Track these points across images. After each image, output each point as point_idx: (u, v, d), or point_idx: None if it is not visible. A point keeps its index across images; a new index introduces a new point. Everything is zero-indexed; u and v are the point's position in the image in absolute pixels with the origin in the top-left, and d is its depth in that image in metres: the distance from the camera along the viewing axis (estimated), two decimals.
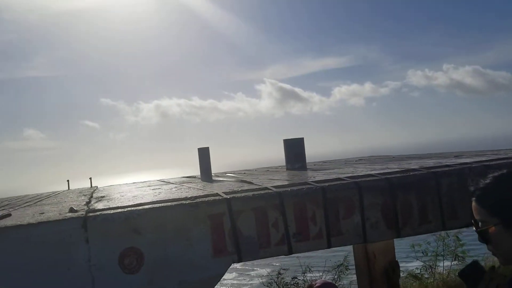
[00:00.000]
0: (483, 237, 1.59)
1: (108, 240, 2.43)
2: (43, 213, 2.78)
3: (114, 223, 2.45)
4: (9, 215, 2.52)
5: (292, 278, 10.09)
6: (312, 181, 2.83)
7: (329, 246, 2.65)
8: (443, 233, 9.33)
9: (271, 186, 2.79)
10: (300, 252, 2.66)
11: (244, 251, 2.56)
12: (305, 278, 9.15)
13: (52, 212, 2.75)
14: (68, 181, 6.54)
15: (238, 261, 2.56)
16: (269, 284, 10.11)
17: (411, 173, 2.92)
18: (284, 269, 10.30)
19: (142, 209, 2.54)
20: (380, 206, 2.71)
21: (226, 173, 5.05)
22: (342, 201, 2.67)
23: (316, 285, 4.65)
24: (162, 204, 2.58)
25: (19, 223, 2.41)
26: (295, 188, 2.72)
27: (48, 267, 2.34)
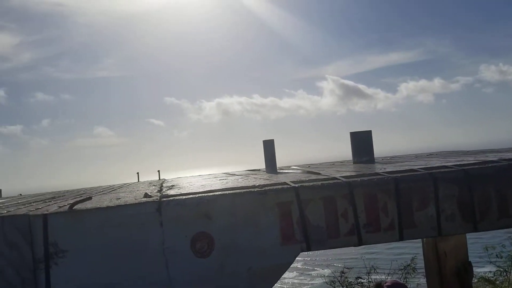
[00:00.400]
0: None
1: (180, 224, 2.51)
2: (119, 198, 2.93)
3: (186, 208, 2.52)
4: (90, 198, 2.68)
5: (356, 278, 9.89)
6: (383, 172, 2.75)
7: (401, 238, 2.56)
8: None
9: (340, 176, 2.75)
10: (370, 244, 2.60)
11: (313, 240, 2.54)
12: (369, 279, 8.94)
13: (128, 198, 2.88)
14: (138, 173, 6.85)
15: (307, 250, 2.55)
16: (332, 283, 9.98)
17: (490, 165, 2.76)
18: (347, 268, 10.11)
19: (213, 195, 2.59)
20: (456, 198, 2.58)
21: (291, 166, 5.04)
22: (416, 192, 2.58)
23: (386, 284, 4.51)
24: (232, 191, 2.63)
25: (98, 205, 2.56)
26: (365, 178, 2.66)
27: (124, 247, 2.46)
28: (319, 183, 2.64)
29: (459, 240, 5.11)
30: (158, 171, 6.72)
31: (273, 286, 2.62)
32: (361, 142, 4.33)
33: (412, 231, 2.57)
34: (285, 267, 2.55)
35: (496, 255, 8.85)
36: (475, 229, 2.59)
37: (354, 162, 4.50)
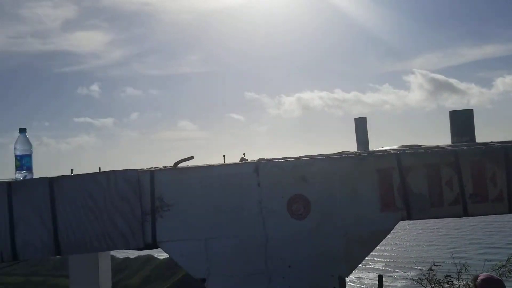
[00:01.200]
0: None
1: (277, 185, 2.55)
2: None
3: (283, 170, 2.56)
4: (192, 157, 2.81)
5: (446, 276, 9.42)
6: (492, 142, 2.59)
7: (511, 210, 2.40)
8: None
9: (445, 145, 2.63)
10: (476, 215, 2.46)
11: (414, 208, 2.46)
12: (460, 277, 8.47)
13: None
14: (224, 156, 7.06)
15: (407, 218, 2.47)
16: (419, 280, 9.60)
17: None
18: (436, 266, 9.66)
19: (310, 159, 2.61)
20: None
21: (383, 147, 4.90)
22: None
23: (480, 277, 4.26)
24: (330, 156, 2.62)
25: (200, 164, 2.68)
26: (472, 147, 2.52)
27: (223, 205, 2.55)
28: (422, 150, 2.55)
29: None
30: (243, 154, 6.86)
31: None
32: (462, 121, 4.09)
33: None
34: (384, 234, 2.49)
35: None
36: None
37: (453, 143, 4.28)
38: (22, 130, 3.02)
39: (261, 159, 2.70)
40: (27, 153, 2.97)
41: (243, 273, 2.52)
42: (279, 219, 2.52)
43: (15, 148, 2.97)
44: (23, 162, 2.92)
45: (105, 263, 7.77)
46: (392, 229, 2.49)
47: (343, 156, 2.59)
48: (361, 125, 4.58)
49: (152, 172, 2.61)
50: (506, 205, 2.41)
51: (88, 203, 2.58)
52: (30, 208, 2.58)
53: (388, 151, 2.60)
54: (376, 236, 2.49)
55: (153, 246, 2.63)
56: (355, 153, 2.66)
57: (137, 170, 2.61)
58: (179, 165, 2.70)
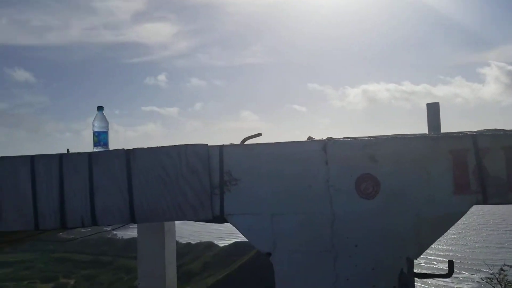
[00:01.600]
0: None
1: (345, 164, 2.53)
2: None
3: (352, 149, 2.53)
4: (260, 134, 2.86)
5: None
6: None
7: None
8: None
9: None
10: None
11: (490, 192, 2.34)
12: None
13: None
14: None
15: (483, 202, 2.36)
16: (488, 280, 9.12)
17: None
18: (508, 265, 9.13)
19: (380, 138, 2.56)
20: None
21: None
22: None
23: None
24: (401, 136, 2.56)
25: (268, 141, 2.71)
26: None
27: (291, 181, 2.57)
28: (501, 132, 2.41)
29: None
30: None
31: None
32: None
33: None
34: (457, 217, 2.40)
35: None
36: None
37: None
38: (100, 108, 3.21)
39: (329, 138, 2.68)
40: (104, 130, 3.16)
41: (308, 250, 2.54)
42: (346, 198, 2.50)
43: (93, 125, 3.17)
44: (100, 138, 3.11)
45: (171, 244, 8.11)
46: (465, 212, 2.39)
47: (416, 136, 2.52)
48: (433, 110, 4.41)
49: (221, 147, 2.68)
50: None
51: (161, 175, 2.70)
52: (108, 177, 2.75)
53: (464, 133, 2.49)
54: (448, 219, 2.40)
55: (221, 219, 2.71)
56: (428, 135, 2.58)
57: (206, 144, 2.69)
58: (247, 142, 2.76)
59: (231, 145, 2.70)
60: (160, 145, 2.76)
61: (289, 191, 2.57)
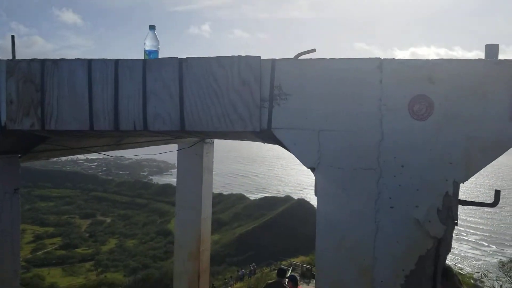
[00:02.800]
0: None
1: (400, 84, 2.48)
2: None
3: (410, 68, 2.47)
4: (314, 50, 2.82)
5: None
6: None
7: None
8: None
9: None
10: None
11: None
12: None
13: None
14: None
15: None
16: None
17: None
18: None
19: (440, 59, 2.47)
20: None
21: None
22: None
23: None
24: (462, 59, 2.47)
25: (322, 57, 2.67)
26: None
27: (342, 98, 2.55)
28: None
29: None
30: None
31: None
32: None
33: None
34: (510, 144, 2.33)
35: None
36: None
37: None
38: (152, 27, 3.24)
39: (388, 58, 2.62)
40: (155, 49, 3.19)
41: (353, 167, 2.55)
42: (398, 118, 2.47)
43: (144, 44, 3.20)
44: (151, 56, 3.15)
45: (208, 179, 8.31)
46: None
47: (477, 59, 2.42)
48: (492, 52, 4.22)
49: (273, 61, 2.67)
50: None
51: (212, 85, 2.73)
52: (161, 84, 2.81)
53: None
54: (500, 145, 2.34)
55: (268, 132, 2.74)
56: (489, 59, 2.47)
57: (259, 57, 2.69)
58: (300, 57, 2.73)
59: (284, 59, 2.68)
60: None
61: (339, 107, 2.56)
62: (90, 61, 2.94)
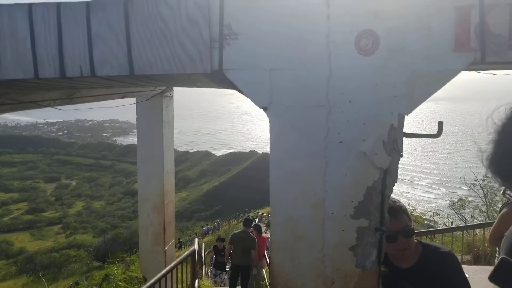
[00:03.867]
0: None
1: (347, 19, 2.49)
2: None
3: (356, 2, 2.48)
4: None
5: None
6: None
7: None
8: None
9: None
10: None
11: (490, 50, 2.34)
12: None
13: None
14: None
15: (480, 60, 2.36)
16: (472, 185, 9.51)
17: None
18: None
19: None
20: None
21: None
22: None
23: None
24: None
25: None
26: None
27: (292, 36, 2.55)
28: None
29: None
30: None
31: None
32: None
33: None
34: (453, 74, 2.42)
35: None
36: None
37: None
38: None
39: None
40: None
41: (303, 104, 2.59)
42: (345, 54, 2.51)
43: None
44: None
45: (169, 133, 8.24)
46: (461, 70, 2.41)
47: None
48: None
49: None
50: None
51: (159, 25, 2.66)
52: (106, 26, 2.71)
53: None
54: (443, 76, 2.42)
55: (220, 74, 2.73)
56: None
57: None
58: None
59: None
60: None
61: (289, 46, 2.56)
62: (30, 5, 2.79)
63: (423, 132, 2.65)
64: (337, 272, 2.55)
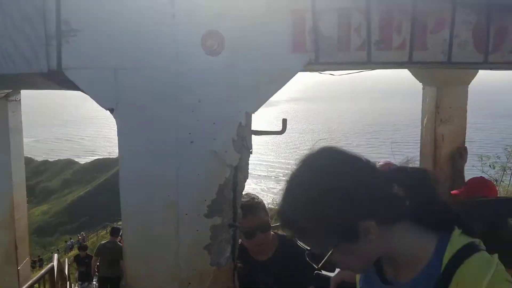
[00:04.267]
0: None
1: (193, 19, 2.51)
2: None
3: (201, 3, 2.50)
4: None
5: None
6: None
7: (410, 59, 2.57)
8: None
9: None
10: (380, 62, 2.61)
11: (323, 51, 2.55)
12: None
13: None
14: None
15: (315, 61, 2.56)
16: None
17: None
18: None
19: None
20: (472, 25, 2.55)
21: None
22: (433, 14, 2.54)
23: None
24: None
25: None
26: None
27: (139, 34, 2.47)
28: None
29: (458, 125, 5.19)
30: None
31: None
32: None
33: (423, 54, 2.57)
34: (292, 73, 2.59)
35: (490, 165, 9.10)
36: (486, 60, 2.58)
37: None
38: None
39: None
40: None
41: (152, 104, 2.53)
42: (192, 54, 2.51)
43: None
44: None
45: (17, 141, 7.44)
46: (299, 70, 2.59)
47: None
48: None
49: None
50: (407, 53, 2.57)
51: None
52: None
53: None
54: (284, 75, 2.58)
55: (60, 74, 2.53)
56: None
57: None
58: None
59: None
60: None
61: (135, 44, 2.48)
62: None
63: (270, 130, 2.79)
64: (193, 273, 2.55)
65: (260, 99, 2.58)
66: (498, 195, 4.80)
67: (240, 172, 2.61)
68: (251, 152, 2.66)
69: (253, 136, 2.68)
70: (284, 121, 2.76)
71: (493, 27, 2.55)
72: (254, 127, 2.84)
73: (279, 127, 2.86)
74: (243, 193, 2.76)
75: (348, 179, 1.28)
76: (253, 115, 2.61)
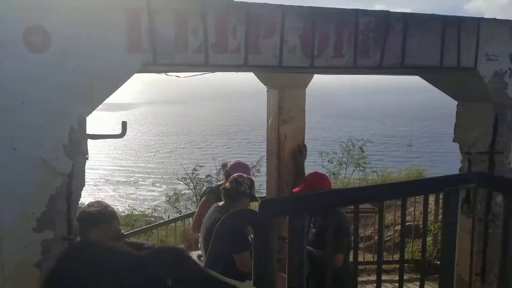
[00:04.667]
0: None
1: (14, 13, 2.25)
2: None
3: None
4: None
5: (206, 176, 10.43)
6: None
7: (246, 62, 2.67)
8: (349, 144, 10.05)
9: None
10: (217, 65, 2.66)
11: (160, 52, 2.50)
12: (218, 177, 9.47)
13: None
14: None
15: (153, 62, 2.50)
16: (183, 179, 10.33)
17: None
18: (200, 166, 10.58)
19: None
20: (300, 31, 2.75)
21: None
22: (264, 20, 2.68)
23: (230, 163, 4.86)
24: None
25: None
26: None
27: None
28: None
29: (298, 125, 5.61)
30: None
31: None
32: None
33: (257, 57, 2.70)
34: (129, 75, 2.49)
35: (328, 160, 10.08)
36: (312, 64, 2.81)
37: None
38: None
39: None
40: None
41: None
42: (13, 51, 2.25)
43: None
44: None
45: None
46: (137, 71, 2.50)
47: None
48: None
49: None
50: (243, 57, 2.66)
51: None
52: None
53: None
54: (120, 76, 2.46)
55: None
56: None
57: None
58: None
59: None
60: None
61: None
62: None
63: (108, 133, 2.65)
64: None
65: (94, 101, 2.42)
66: (331, 187, 5.30)
67: (75, 179, 2.42)
68: (87, 158, 2.49)
69: (93, 140, 2.52)
70: (124, 124, 2.64)
71: (318, 34, 2.78)
72: (100, 131, 2.69)
73: (118, 131, 2.73)
74: (94, 201, 2.60)
75: None
76: (88, 118, 2.45)
